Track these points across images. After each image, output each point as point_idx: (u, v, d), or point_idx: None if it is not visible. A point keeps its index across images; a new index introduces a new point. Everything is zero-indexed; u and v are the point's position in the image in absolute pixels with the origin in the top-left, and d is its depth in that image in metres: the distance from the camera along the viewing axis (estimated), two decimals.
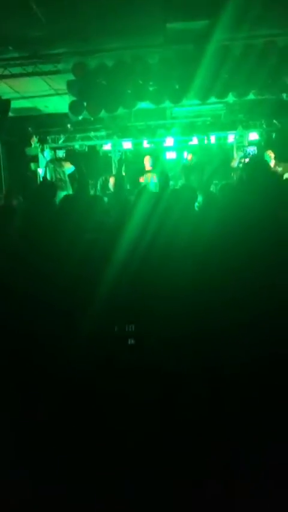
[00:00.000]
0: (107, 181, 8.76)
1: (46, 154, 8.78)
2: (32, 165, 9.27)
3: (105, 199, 6.22)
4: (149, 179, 8.40)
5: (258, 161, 3.49)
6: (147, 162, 8.80)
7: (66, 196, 4.26)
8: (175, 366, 2.97)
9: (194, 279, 2.98)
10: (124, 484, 2.38)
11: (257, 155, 8.81)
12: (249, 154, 9.39)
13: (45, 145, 9.28)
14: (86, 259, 3.13)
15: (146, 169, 8.77)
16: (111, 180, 8.65)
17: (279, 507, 2.24)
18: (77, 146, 9.95)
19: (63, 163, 8.52)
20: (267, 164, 3.73)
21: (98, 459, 2.52)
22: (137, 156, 10.25)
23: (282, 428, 2.52)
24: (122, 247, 3.15)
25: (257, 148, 9.51)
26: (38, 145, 8.75)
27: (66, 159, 8.73)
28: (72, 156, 8.88)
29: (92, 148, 10.13)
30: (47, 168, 8.43)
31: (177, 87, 7.07)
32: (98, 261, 3.11)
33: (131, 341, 3.24)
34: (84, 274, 3.09)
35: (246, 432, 2.55)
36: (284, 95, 7.10)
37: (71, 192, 8.07)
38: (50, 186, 4.64)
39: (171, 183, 9.46)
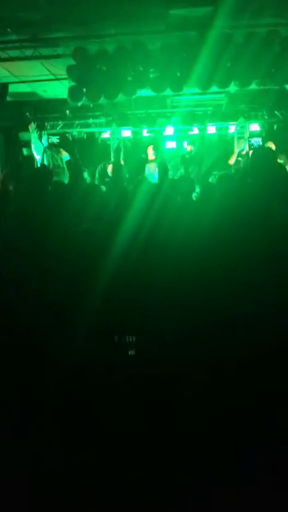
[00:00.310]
0: (105, 168, 8.66)
1: (44, 141, 8.65)
2: (25, 151, 9.14)
3: (103, 187, 6.16)
4: (152, 169, 8.30)
5: (264, 153, 3.43)
6: (151, 151, 8.67)
7: (56, 183, 4.21)
8: (175, 360, 2.95)
9: (193, 270, 2.95)
10: (123, 484, 2.36)
11: (262, 146, 8.67)
12: (252, 145, 9.29)
13: (43, 132, 9.15)
14: (83, 248, 3.09)
15: (149, 158, 8.64)
16: (110, 167, 8.55)
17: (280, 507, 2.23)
18: (75, 133, 9.81)
19: (61, 150, 8.42)
20: (274, 156, 3.66)
21: (95, 459, 2.50)
22: (136, 144, 10.14)
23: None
24: (121, 238, 3.11)
25: (262, 140, 9.41)
26: (35, 131, 8.60)
27: (59, 145, 8.61)
28: (65, 142, 8.76)
29: (91, 136, 10.00)
30: (45, 155, 8.33)
31: (178, 74, 6.96)
32: (96, 251, 3.08)
33: (131, 352, 3.23)
34: (81, 264, 3.05)
35: (248, 429, 2.54)
36: (287, 86, 6.98)
37: (67, 179, 8.00)
38: (45, 172, 4.57)
39: (170, 173, 9.41)
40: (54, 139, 8.95)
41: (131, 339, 3.31)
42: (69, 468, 2.46)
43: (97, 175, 8.48)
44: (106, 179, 8.20)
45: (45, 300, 2.95)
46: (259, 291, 2.79)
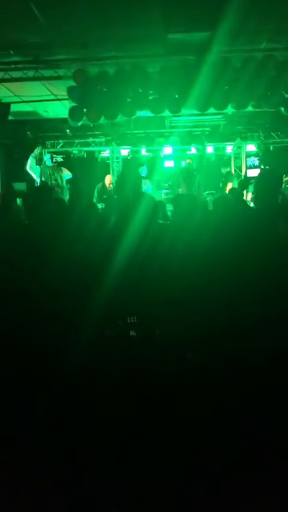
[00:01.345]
0: (103, 187, 8.79)
1: (47, 160, 8.78)
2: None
3: (101, 205, 6.25)
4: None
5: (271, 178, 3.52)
6: (109, 182, 8.82)
7: (56, 199, 4.28)
8: (175, 371, 2.98)
9: (195, 283, 2.99)
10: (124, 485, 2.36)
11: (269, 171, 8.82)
12: (252, 165, 9.45)
13: (44, 150, 9.31)
14: (84, 263, 3.13)
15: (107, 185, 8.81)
16: (108, 179, 8.67)
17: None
18: (75, 152, 9.98)
19: (62, 168, 8.55)
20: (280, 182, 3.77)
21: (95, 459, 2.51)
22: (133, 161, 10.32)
23: None
24: (121, 254, 3.16)
25: (259, 160, 9.58)
26: (37, 154, 8.75)
27: (62, 164, 8.75)
28: (70, 161, 8.91)
29: (91, 155, 10.16)
30: (42, 173, 8.46)
31: (176, 96, 7.11)
32: (96, 266, 3.12)
33: (132, 333, 3.26)
34: (82, 279, 3.09)
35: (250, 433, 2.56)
36: (282, 109, 7.14)
37: (67, 197, 8.11)
38: (45, 189, 4.65)
39: (168, 191, 9.55)
40: (58, 158, 9.07)
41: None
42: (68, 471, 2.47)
43: (96, 193, 8.61)
44: (104, 196, 8.32)
45: (46, 313, 2.99)
46: (265, 304, 2.84)
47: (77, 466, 2.46)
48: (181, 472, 2.41)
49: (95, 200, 8.31)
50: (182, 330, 3.14)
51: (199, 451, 2.52)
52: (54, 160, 8.84)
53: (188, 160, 10.22)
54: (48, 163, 8.63)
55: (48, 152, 9.33)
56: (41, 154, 9.12)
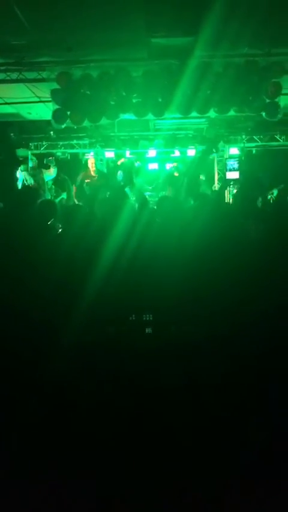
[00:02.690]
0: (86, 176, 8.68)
1: (29, 162, 8.74)
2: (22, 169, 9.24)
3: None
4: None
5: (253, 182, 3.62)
6: (92, 166, 8.72)
7: (44, 201, 4.27)
8: (158, 376, 3.01)
9: (177, 287, 3.04)
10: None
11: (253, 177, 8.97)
12: (231, 168, 9.57)
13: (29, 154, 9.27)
14: (68, 268, 3.14)
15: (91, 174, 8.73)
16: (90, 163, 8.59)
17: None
18: (59, 154, 9.96)
19: (43, 170, 8.52)
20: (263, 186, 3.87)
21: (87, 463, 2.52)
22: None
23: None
24: (107, 256, 3.18)
25: (238, 162, 9.69)
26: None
27: (43, 166, 8.70)
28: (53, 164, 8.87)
29: (75, 157, 10.16)
30: (25, 174, 8.43)
31: (160, 100, 7.17)
32: (81, 269, 3.13)
33: (148, 330, 3.28)
34: (66, 283, 3.10)
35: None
36: (264, 113, 7.26)
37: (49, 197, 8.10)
38: (31, 192, 4.63)
39: (152, 194, 9.59)
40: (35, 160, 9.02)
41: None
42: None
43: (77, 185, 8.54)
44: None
45: (30, 319, 2.98)
46: (243, 303, 2.90)
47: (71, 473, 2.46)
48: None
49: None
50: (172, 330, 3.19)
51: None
52: (33, 163, 8.77)
53: (174, 164, 10.28)
54: (30, 164, 8.59)
55: (32, 154, 9.29)
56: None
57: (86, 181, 8.48)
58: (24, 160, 9.11)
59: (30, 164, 8.61)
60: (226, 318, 3.00)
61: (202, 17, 5.29)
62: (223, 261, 3.04)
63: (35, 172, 8.43)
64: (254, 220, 3.50)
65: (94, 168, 8.64)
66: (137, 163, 10.06)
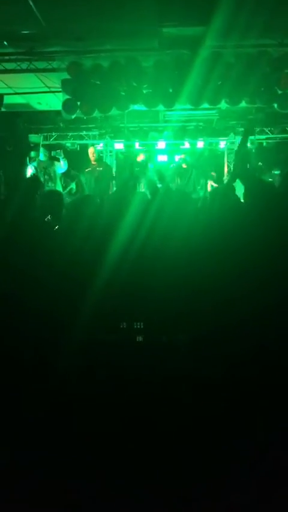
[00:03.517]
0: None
1: (40, 154, 8.70)
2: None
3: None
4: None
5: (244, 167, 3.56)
6: (92, 154, 8.65)
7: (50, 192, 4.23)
8: (166, 370, 3.00)
9: (187, 281, 3.02)
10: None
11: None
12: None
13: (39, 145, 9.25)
14: (75, 260, 3.12)
15: (92, 162, 8.66)
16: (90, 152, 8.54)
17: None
18: (68, 144, 9.95)
19: (55, 162, 8.50)
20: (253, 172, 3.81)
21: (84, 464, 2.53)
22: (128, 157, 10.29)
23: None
24: (113, 248, 3.16)
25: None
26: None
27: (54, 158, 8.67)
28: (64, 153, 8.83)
29: (84, 148, 10.13)
30: (37, 166, 8.43)
31: (170, 90, 7.12)
32: (88, 261, 3.12)
33: (139, 338, 3.27)
34: (72, 276, 3.08)
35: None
36: (276, 105, 7.18)
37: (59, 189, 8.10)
38: (34, 182, 4.60)
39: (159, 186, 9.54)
40: (53, 153, 8.97)
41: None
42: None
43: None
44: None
45: (37, 312, 2.97)
46: (254, 300, 2.88)
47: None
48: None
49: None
50: (175, 328, 3.17)
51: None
52: (48, 155, 8.71)
53: (181, 156, 10.22)
54: (41, 157, 8.54)
55: (42, 145, 9.26)
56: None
57: (86, 170, 8.46)
58: (35, 150, 9.10)
59: (42, 158, 8.56)
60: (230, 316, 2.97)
61: (213, 6, 5.23)
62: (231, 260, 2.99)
63: (46, 165, 8.41)
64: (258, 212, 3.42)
65: (94, 157, 8.56)
66: (150, 165, 9.99)
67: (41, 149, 8.64)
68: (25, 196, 3.93)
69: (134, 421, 2.74)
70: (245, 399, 2.72)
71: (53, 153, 8.75)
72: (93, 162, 8.50)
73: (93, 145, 9.74)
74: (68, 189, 8.71)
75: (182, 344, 3.17)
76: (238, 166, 3.80)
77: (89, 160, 8.59)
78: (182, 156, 10.05)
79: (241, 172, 3.71)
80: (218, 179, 9.56)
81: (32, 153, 9.02)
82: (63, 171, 8.47)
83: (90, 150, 8.65)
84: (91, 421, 2.72)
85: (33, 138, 9.51)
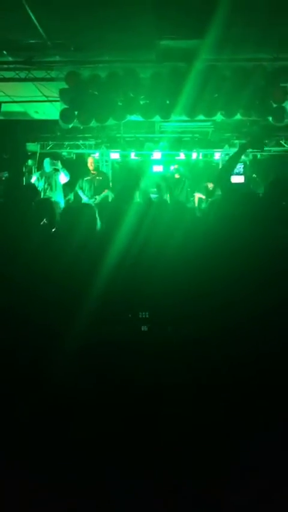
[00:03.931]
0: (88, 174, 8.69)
1: (46, 166, 8.70)
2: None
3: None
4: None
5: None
6: (91, 164, 8.72)
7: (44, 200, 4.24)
8: (166, 376, 3.01)
9: (185, 286, 3.04)
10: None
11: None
12: (237, 172, 9.59)
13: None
14: (71, 269, 3.13)
15: (91, 172, 8.72)
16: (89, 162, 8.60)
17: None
18: (65, 153, 10.01)
19: (58, 173, 8.53)
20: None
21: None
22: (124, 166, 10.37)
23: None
24: (112, 255, 3.18)
25: (243, 167, 9.72)
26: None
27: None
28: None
29: (80, 157, 10.21)
30: (40, 178, 8.47)
31: (167, 102, 7.21)
32: (85, 270, 3.13)
33: (144, 328, 3.27)
34: (69, 286, 3.08)
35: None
36: (270, 118, 7.29)
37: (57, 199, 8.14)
38: (30, 190, 4.62)
39: (155, 196, 9.62)
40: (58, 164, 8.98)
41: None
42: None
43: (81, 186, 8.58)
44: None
45: (32, 323, 2.97)
46: (252, 305, 2.90)
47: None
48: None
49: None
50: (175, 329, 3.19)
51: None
52: (52, 166, 8.72)
53: (175, 166, 10.32)
54: (47, 169, 8.55)
55: (48, 156, 9.26)
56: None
57: (85, 179, 8.51)
58: (33, 159, 9.14)
59: (47, 169, 8.55)
60: (227, 316, 3.00)
61: (209, 20, 5.32)
62: (226, 261, 3.04)
63: (50, 174, 8.45)
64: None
65: (93, 166, 8.63)
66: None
67: (46, 160, 8.66)
68: (21, 204, 3.95)
69: (135, 419, 2.75)
70: (246, 400, 2.74)
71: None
72: (92, 172, 8.56)
73: (89, 155, 9.84)
74: (66, 199, 8.75)
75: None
76: (222, 175, 3.86)
77: (87, 169, 8.65)
78: (176, 166, 10.15)
79: (221, 180, 3.77)
80: (211, 191, 9.65)
81: (30, 162, 9.06)
82: (65, 181, 8.51)
83: (90, 160, 8.72)
84: (92, 420, 2.72)
85: (31, 146, 9.55)
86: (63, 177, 8.35)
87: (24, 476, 2.45)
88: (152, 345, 3.24)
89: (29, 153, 9.37)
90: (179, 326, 3.18)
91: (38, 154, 9.28)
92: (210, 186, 9.34)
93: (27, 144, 9.39)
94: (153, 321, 3.28)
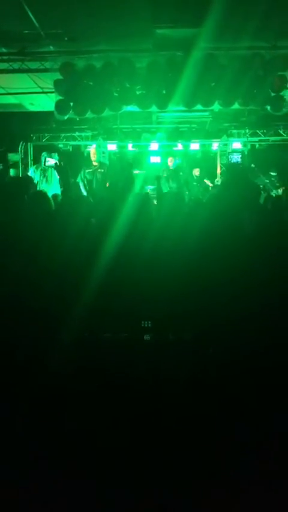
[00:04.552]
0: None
1: (42, 160, 8.61)
2: (12, 171, 9.20)
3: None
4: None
5: (238, 169, 3.58)
6: (93, 155, 8.63)
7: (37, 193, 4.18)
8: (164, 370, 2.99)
9: (179, 283, 3.01)
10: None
11: (236, 163, 9.00)
12: (231, 161, 9.52)
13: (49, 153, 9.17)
14: (70, 260, 3.10)
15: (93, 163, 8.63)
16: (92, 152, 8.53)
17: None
18: (61, 145, 9.90)
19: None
20: (245, 172, 3.82)
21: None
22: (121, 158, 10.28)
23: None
24: (107, 249, 3.15)
25: (241, 157, 9.64)
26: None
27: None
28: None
29: (77, 149, 10.10)
30: (36, 170, 8.40)
31: (164, 92, 7.10)
32: (83, 260, 3.10)
33: (146, 337, 3.26)
34: (67, 276, 3.06)
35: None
36: (268, 107, 7.20)
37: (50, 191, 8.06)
38: (22, 182, 4.54)
39: (153, 187, 9.55)
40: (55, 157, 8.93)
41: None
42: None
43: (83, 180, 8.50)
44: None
45: (32, 313, 2.95)
46: (239, 297, 2.88)
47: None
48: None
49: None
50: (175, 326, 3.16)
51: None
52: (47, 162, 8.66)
53: (169, 162, 10.23)
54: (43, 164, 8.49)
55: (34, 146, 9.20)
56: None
57: (87, 170, 8.43)
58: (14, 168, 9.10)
59: (43, 164, 8.48)
60: (225, 315, 2.97)
61: (207, 8, 5.22)
62: (222, 257, 3.01)
63: (46, 168, 8.38)
64: (249, 213, 3.47)
65: (96, 157, 8.56)
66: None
67: (44, 154, 8.58)
68: (14, 195, 3.89)
69: (137, 419, 2.73)
70: (247, 398, 2.72)
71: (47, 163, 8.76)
72: (94, 163, 8.48)
73: (86, 146, 9.74)
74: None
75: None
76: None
77: (88, 161, 8.57)
78: (171, 159, 10.06)
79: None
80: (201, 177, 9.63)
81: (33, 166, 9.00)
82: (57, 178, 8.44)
83: (92, 151, 8.64)
84: (92, 419, 2.70)
85: (12, 156, 9.44)
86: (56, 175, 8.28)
87: (24, 471, 2.44)
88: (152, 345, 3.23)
89: (11, 163, 9.27)
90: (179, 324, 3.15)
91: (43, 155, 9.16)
92: (196, 172, 9.32)
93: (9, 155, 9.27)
94: (154, 323, 3.27)
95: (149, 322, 3.28)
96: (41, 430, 2.64)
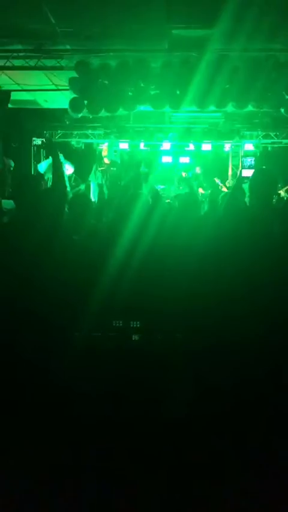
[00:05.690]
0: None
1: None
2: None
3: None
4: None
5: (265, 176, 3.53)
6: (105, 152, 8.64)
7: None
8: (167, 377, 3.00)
9: (191, 285, 3.01)
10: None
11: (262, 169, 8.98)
12: (244, 164, 9.51)
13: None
14: (78, 266, 3.10)
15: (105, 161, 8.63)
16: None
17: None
18: (73, 143, 9.97)
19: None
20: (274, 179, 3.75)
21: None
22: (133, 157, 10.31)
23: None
24: (117, 254, 3.14)
25: (255, 160, 9.63)
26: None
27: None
28: (48, 146, 8.81)
29: (89, 146, 10.16)
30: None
31: (178, 92, 7.13)
32: (91, 266, 3.10)
33: (135, 337, 3.26)
34: (75, 283, 3.06)
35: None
36: (282, 110, 7.19)
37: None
38: (31, 179, 4.53)
39: (164, 187, 9.57)
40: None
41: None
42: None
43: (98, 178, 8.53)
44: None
45: (37, 318, 2.95)
46: (260, 308, 2.87)
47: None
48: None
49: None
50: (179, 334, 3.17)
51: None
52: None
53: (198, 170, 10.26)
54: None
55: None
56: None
57: (99, 169, 8.48)
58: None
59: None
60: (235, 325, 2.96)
61: (221, 9, 5.24)
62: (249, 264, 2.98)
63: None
64: (277, 218, 3.40)
65: (106, 154, 8.61)
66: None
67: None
68: (29, 194, 3.87)
69: (131, 421, 2.74)
70: (243, 400, 2.73)
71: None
72: (106, 161, 8.53)
73: (98, 144, 9.79)
74: (76, 190, 8.72)
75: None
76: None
77: (101, 159, 8.61)
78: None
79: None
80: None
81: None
82: (70, 172, 8.49)
83: (104, 149, 8.68)
84: (91, 421, 2.72)
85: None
86: (68, 168, 8.34)
87: (25, 471, 2.47)
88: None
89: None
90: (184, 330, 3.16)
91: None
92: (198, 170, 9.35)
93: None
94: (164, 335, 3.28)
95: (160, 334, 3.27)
96: (41, 431, 2.66)
